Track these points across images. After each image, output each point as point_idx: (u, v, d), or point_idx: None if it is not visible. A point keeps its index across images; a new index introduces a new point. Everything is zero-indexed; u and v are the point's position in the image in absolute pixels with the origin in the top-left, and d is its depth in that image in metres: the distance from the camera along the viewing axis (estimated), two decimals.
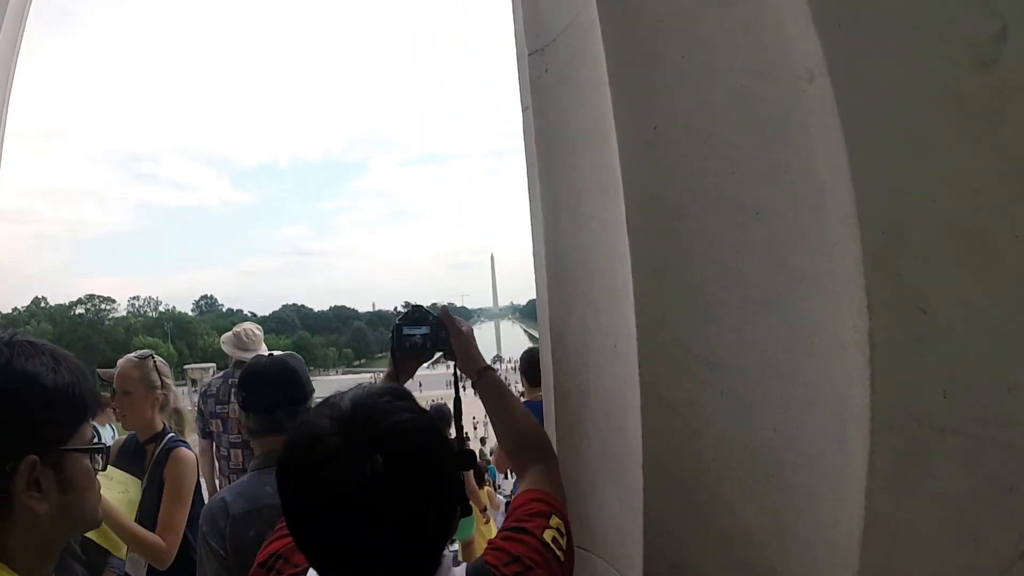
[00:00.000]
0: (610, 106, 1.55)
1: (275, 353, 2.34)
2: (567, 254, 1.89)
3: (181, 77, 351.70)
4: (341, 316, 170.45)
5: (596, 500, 1.84)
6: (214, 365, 33.13)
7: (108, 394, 4.76)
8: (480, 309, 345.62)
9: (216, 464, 5.20)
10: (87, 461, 1.15)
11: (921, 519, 1.25)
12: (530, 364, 5.07)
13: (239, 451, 5.02)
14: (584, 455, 1.87)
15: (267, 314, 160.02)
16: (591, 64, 1.70)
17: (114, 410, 3.49)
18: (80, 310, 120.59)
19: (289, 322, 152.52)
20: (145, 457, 3.03)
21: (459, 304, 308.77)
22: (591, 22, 1.65)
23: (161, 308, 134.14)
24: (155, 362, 3.16)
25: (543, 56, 1.94)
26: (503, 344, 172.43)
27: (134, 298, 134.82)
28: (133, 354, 3.19)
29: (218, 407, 5.15)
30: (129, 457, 3.07)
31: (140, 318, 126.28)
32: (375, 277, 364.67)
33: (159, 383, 3.10)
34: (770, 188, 1.38)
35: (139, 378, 3.05)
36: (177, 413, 3.20)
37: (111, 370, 4.22)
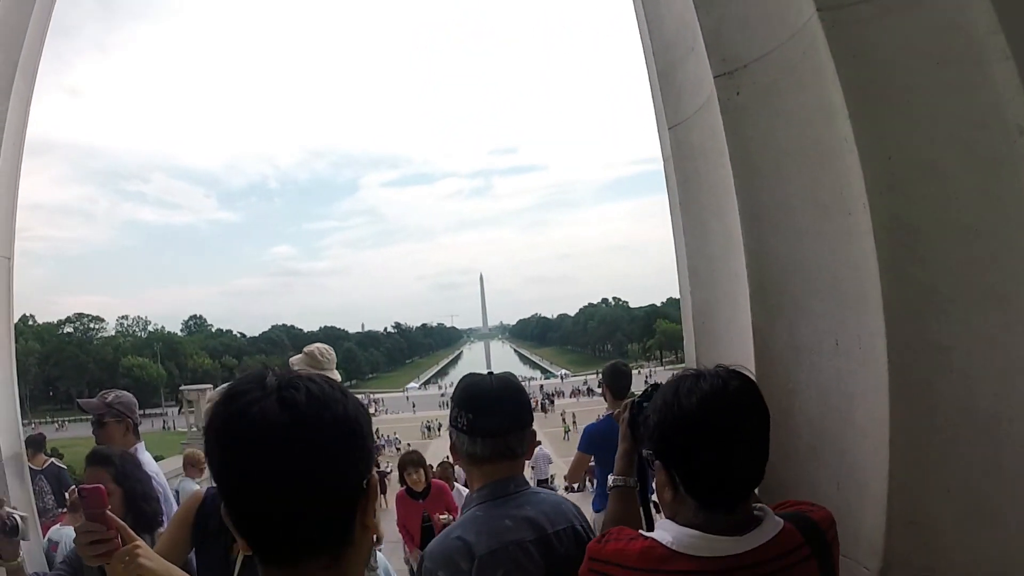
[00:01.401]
0: (845, 133, 1.95)
1: (494, 372, 2.16)
2: (772, 264, 2.22)
3: (167, 94, 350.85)
4: (331, 337, 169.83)
5: (806, 488, 2.16)
6: (211, 386, 32.95)
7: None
8: (470, 329, 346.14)
9: None
10: None
11: None
12: (615, 377, 5.21)
13: None
14: (792, 449, 2.19)
15: (257, 335, 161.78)
16: (799, 93, 2.10)
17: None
18: (68, 329, 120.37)
19: (279, 343, 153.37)
20: None
21: (448, 324, 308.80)
22: (803, 58, 2.06)
23: (150, 328, 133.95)
24: None
25: (732, 79, 2.25)
26: (493, 364, 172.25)
27: (123, 317, 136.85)
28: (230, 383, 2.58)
29: None
30: (214, 516, 2.42)
31: (129, 338, 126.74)
32: (363, 298, 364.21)
33: None
34: (987, 212, 1.89)
35: None
36: None
37: (92, 400, 3.96)
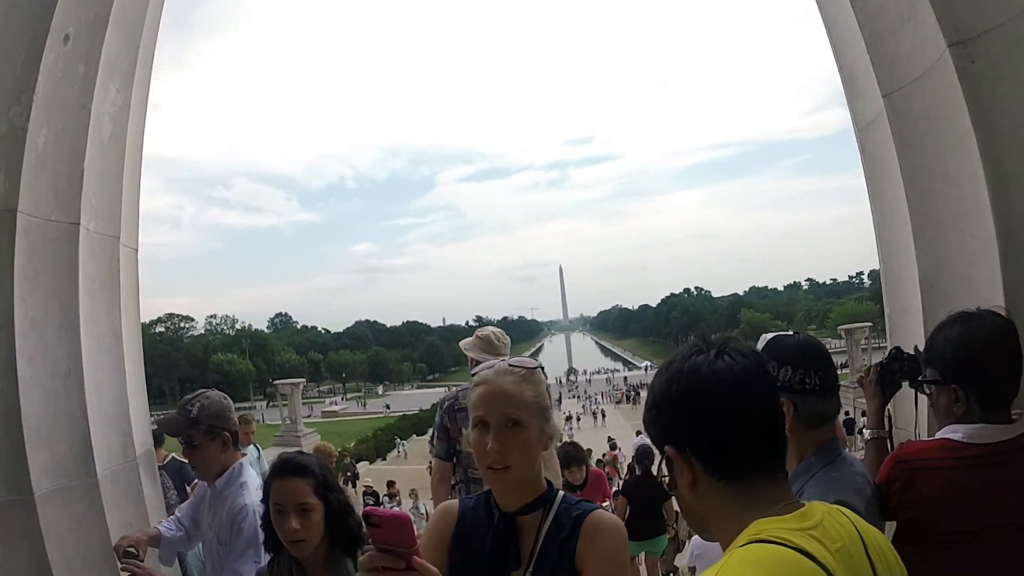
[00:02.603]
0: None
1: (796, 334, 2.18)
2: (1021, 223, 2.40)
3: (245, 103, 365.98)
4: (413, 331, 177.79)
5: None
6: (304, 380, 33.89)
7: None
8: (550, 322, 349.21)
9: (463, 490, 4.36)
10: None
11: None
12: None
13: None
14: None
15: (341, 330, 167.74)
16: None
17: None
18: (160, 328, 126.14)
19: (363, 338, 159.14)
20: (518, 535, 1.85)
21: (529, 317, 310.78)
22: None
23: (237, 326, 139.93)
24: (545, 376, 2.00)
25: (966, 48, 2.45)
26: (574, 356, 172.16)
27: (211, 316, 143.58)
28: (506, 361, 1.88)
29: None
30: (478, 535, 1.88)
31: (218, 335, 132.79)
32: (444, 292, 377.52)
33: (551, 409, 1.94)
34: None
35: (533, 400, 1.82)
36: None
37: (172, 417, 3.18)
